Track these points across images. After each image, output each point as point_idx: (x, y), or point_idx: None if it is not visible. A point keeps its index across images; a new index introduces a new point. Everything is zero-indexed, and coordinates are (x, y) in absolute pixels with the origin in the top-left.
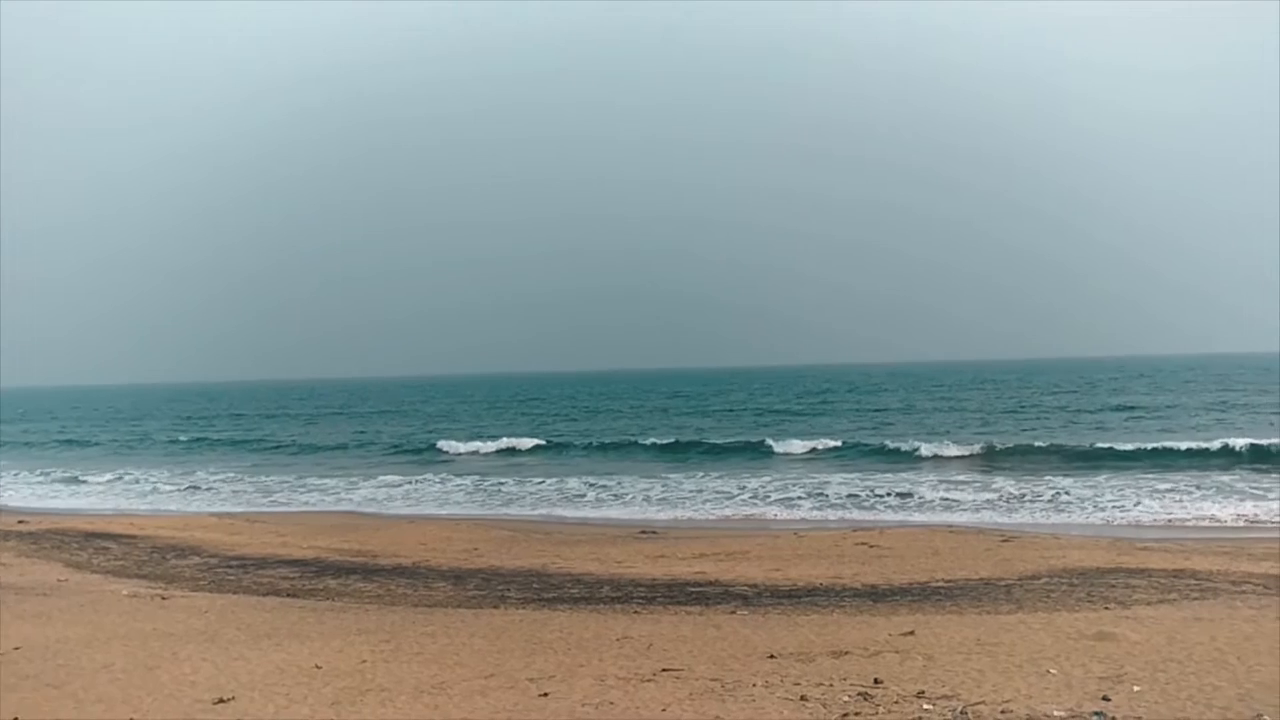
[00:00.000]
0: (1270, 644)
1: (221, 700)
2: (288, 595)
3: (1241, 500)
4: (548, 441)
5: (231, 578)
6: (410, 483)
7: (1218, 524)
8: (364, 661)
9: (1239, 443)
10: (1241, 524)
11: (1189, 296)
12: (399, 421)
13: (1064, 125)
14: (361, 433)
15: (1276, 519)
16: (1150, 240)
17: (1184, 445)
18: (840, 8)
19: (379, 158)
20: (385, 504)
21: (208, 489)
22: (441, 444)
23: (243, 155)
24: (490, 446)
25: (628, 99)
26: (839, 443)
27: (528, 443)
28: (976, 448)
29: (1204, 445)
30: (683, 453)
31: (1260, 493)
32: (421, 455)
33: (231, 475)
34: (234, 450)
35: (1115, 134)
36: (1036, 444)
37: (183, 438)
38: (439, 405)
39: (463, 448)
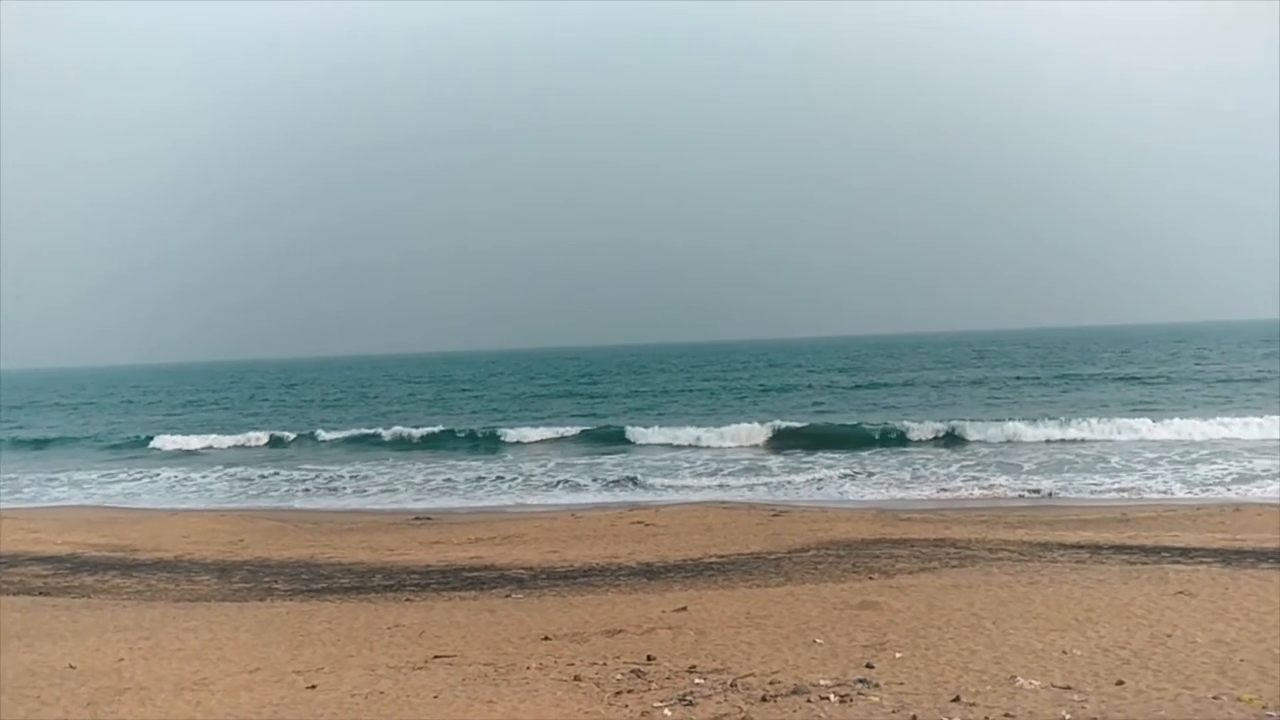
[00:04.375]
0: (1023, 608)
1: None
2: (40, 594)
3: (998, 473)
4: (301, 433)
5: None
6: (169, 475)
7: (976, 496)
8: (121, 660)
9: (1004, 420)
10: (998, 495)
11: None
12: (129, 413)
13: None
14: (110, 424)
15: (1029, 490)
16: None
17: (943, 423)
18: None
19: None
20: (142, 497)
21: None
22: (161, 439)
23: None
24: (226, 440)
25: None
26: (607, 424)
27: (261, 436)
28: (751, 426)
29: (963, 422)
30: (447, 441)
31: (1015, 465)
32: (144, 449)
33: None
34: None
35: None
36: (807, 424)
37: None
38: (188, 395)
39: (196, 442)
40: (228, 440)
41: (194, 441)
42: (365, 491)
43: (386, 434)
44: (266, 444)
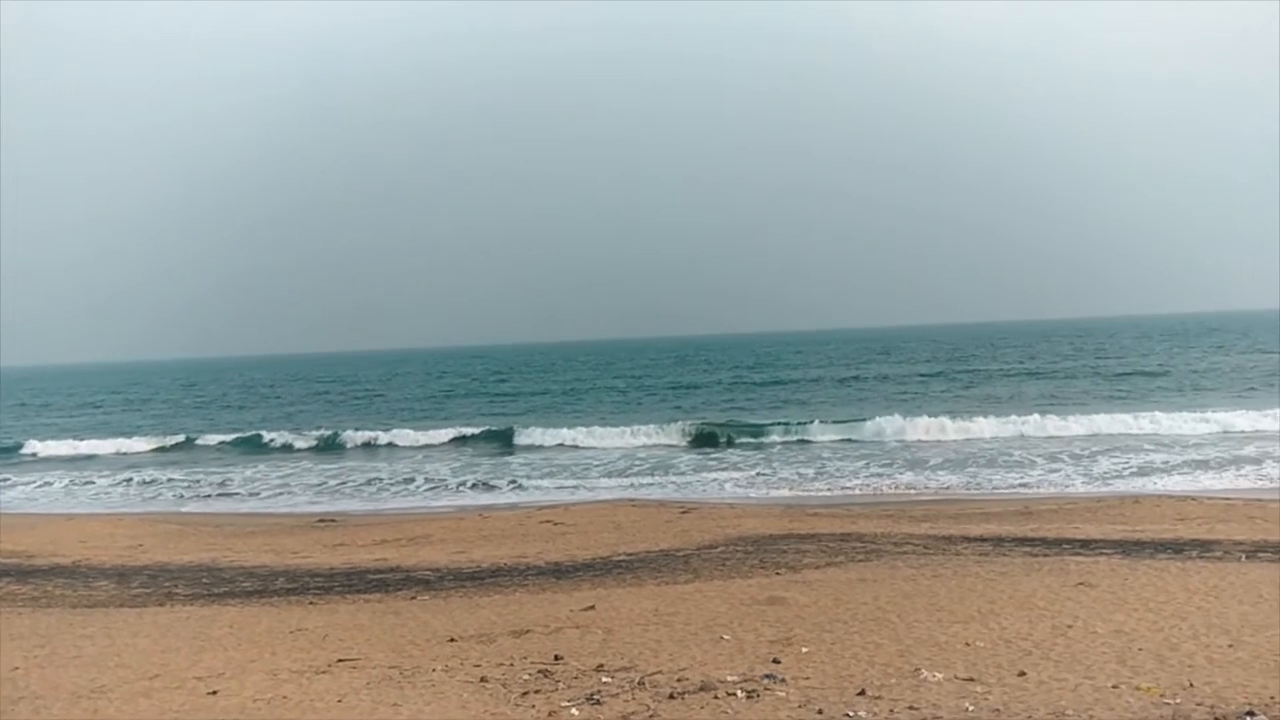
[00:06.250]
0: (928, 601)
1: None
2: None
3: (903, 468)
4: (190, 435)
5: None
6: (65, 480)
7: (882, 491)
8: (16, 669)
9: (910, 415)
10: (904, 489)
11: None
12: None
13: None
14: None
15: (933, 484)
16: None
17: (850, 420)
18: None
19: None
20: (39, 502)
21: None
22: (34, 444)
23: None
24: (110, 445)
25: None
26: (515, 423)
27: (142, 444)
28: (661, 424)
29: (869, 418)
30: (350, 442)
31: (920, 460)
32: (14, 455)
33: None
34: None
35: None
36: (716, 421)
37: None
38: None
39: (84, 446)
40: (111, 445)
41: (81, 446)
42: (259, 494)
43: (284, 436)
44: (156, 449)
